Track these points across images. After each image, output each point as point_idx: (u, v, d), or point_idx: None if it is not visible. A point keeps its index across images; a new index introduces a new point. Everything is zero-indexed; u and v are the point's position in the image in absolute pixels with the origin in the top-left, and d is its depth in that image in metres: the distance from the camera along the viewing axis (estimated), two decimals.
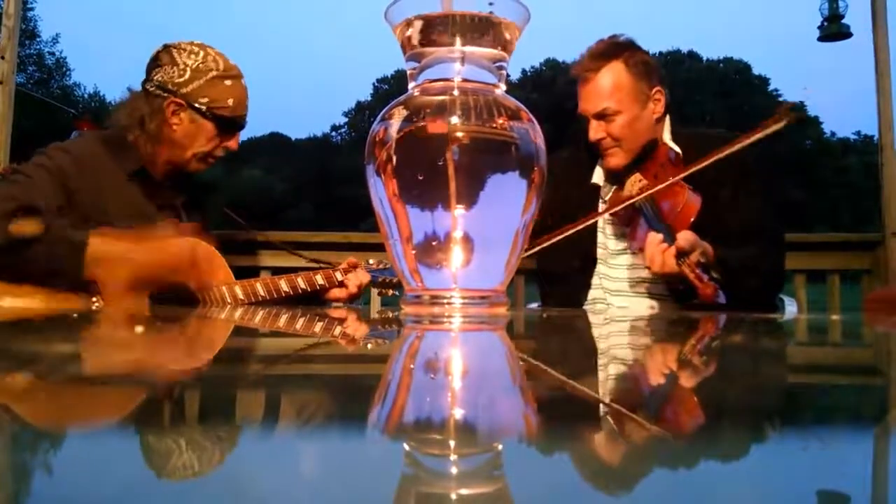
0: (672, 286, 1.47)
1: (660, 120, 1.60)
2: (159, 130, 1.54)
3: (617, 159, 1.57)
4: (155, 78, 1.54)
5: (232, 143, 1.60)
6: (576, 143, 1.67)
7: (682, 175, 1.43)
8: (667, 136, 1.61)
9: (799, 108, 1.43)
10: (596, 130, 1.56)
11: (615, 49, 1.56)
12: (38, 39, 32.74)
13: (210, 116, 1.54)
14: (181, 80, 1.54)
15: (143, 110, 1.54)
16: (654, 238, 1.38)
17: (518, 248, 0.76)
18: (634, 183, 1.52)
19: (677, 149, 1.54)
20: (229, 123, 1.57)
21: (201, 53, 1.55)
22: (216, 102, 1.54)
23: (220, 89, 1.54)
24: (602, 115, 1.55)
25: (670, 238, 1.36)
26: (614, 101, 1.53)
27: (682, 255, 1.33)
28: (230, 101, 1.55)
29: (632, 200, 1.47)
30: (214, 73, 1.54)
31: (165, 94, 1.53)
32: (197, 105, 1.53)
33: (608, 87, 1.54)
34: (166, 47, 1.56)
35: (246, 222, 1.87)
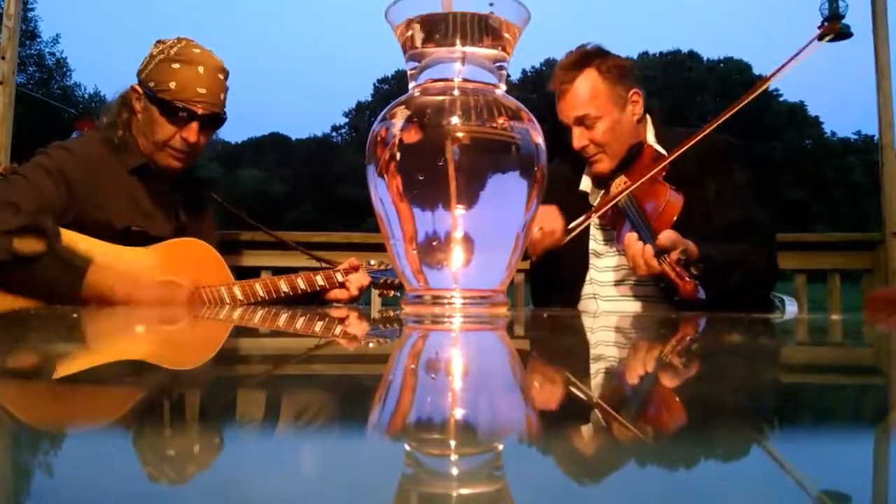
0: (656, 284, 1.47)
1: (641, 121, 1.61)
2: (130, 120, 1.54)
3: (603, 165, 1.58)
4: None
5: (188, 134, 1.50)
6: (560, 153, 1.68)
7: (663, 165, 1.45)
8: (651, 138, 1.62)
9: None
10: (579, 139, 1.57)
11: (585, 58, 1.58)
12: (38, 40, 32.74)
13: (155, 101, 1.50)
14: (141, 66, 1.54)
15: (119, 103, 1.55)
16: (632, 239, 1.38)
17: (519, 249, 0.76)
18: (619, 185, 1.53)
19: (662, 150, 1.55)
20: (172, 108, 1.48)
21: (169, 42, 1.53)
22: (159, 85, 1.49)
23: (163, 72, 1.49)
24: (583, 122, 1.56)
25: (650, 238, 1.37)
26: (593, 107, 1.55)
27: (662, 253, 1.33)
28: (172, 85, 1.48)
29: (614, 200, 1.48)
30: (162, 56, 1.50)
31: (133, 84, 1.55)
32: (146, 90, 1.51)
33: (585, 95, 1.55)
34: (155, 43, 1.56)
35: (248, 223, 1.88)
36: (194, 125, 1.51)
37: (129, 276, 1.39)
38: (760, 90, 1.48)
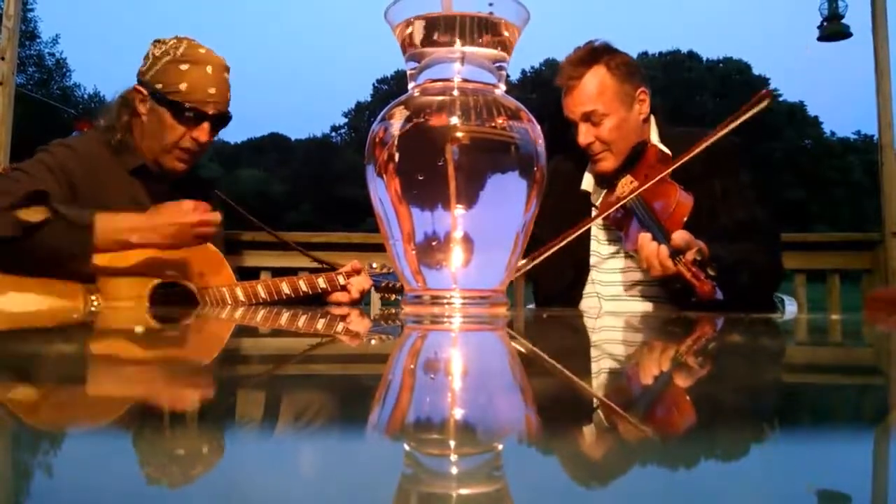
0: (670, 286, 1.46)
1: (646, 120, 1.61)
2: (132, 122, 1.54)
3: (607, 163, 1.57)
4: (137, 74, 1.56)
5: (199, 134, 1.51)
6: (561, 152, 1.67)
7: (671, 169, 1.44)
8: (654, 137, 1.61)
9: (777, 93, 1.46)
10: (585, 135, 1.56)
11: (594, 54, 1.57)
12: (38, 40, 32.70)
13: (165, 102, 1.49)
14: (144, 68, 1.53)
15: (119, 105, 1.54)
16: (647, 240, 1.37)
17: (518, 249, 0.76)
18: (625, 185, 1.52)
19: (666, 149, 1.54)
20: (184, 110, 1.49)
21: (171, 42, 1.53)
22: (168, 87, 1.49)
23: (172, 74, 1.49)
24: (589, 119, 1.55)
25: (664, 238, 1.36)
26: (601, 104, 1.54)
27: (677, 253, 1.32)
28: (182, 86, 1.48)
29: (623, 201, 1.47)
30: (169, 57, 1.50)
31: (134, 86, 1.54)
32: (153, 92, 1.51)
33: (594, 90, 1.54)
34: (153, 43, 1.56)
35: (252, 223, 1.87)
36: (206, 125, 1.51)
37: (137, 217, 1.37)
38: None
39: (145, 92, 1.52)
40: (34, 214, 1.27)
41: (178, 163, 1.54)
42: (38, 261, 1.30)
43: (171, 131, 1.50)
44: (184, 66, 1.49)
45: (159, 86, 1.49)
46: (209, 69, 1.51)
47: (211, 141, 1.56)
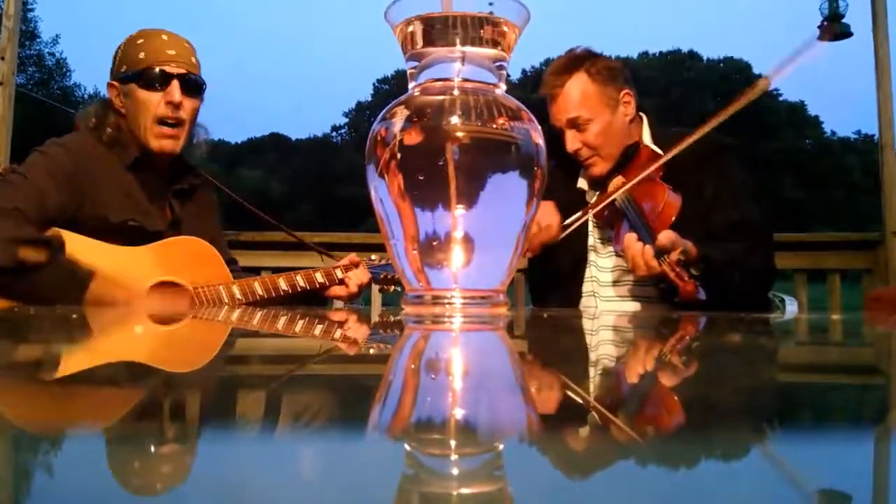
0: (655, 285, 1.48)
1: (634, 121, 1.61)
2: (119, 122, 1.55)
3: (598, 168, 1.58)
4: None
5: (171, 96, 1.50)
6: (559, 162, 1.68)
7: (655, 165, 1.45)
8: (647, 138, 1.62)
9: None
10: (572, 141, 1.57)
11: (574, 61, 1.59)
12: (38, 40, 32.69)
13: (131, 78, 1.52)
14: (111, 68, 1.57)
15: (103, 110, 1.57)
16: (632, 240, 1.38)
17: (519, 249, 0.76)
18: (616, 185, 1.53)
19: (659, 150, 1.55)
20: (150, 76, 1.50)
21: (131, 36, 1.57)
22: (131, 64, 1.52)
23: (132, 51, 1.53)
24: (575, 125, 1.56)
25: (650, 238, 1.37)
26: (584, 110, 1.55)
27: (661, 253, 1.33)
28: (141, 55, 1.52)
29: (611, 197, 1.48)
30: (127, 42, 1.55)
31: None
32: (121, 78, 1.54)
33: (576, 97, 1.56)
34: None
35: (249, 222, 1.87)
36: (175, 84, 1.51)
37: (131, 288, 1.39)
38: (758, 92, 1.47)
39: (117, 84, 1.55)
40: (33, 255, 1.29)
41: (163, 140, 1.52)
42: (27, 295, 1.31)
43: (146, 103, 1.51)
44: (140, 41, 1.54)
45: (124, 68, 1.53)
46: (165, 37, 1.55)
47: (189, 108, 1.53)
